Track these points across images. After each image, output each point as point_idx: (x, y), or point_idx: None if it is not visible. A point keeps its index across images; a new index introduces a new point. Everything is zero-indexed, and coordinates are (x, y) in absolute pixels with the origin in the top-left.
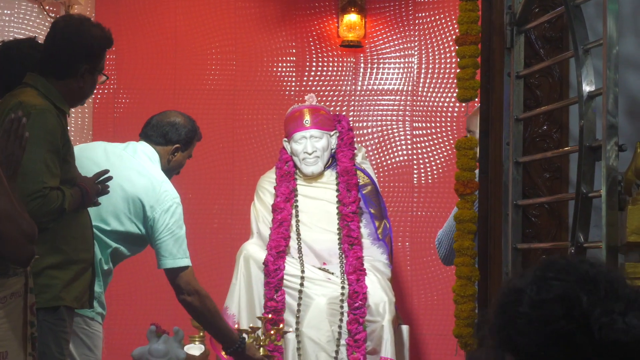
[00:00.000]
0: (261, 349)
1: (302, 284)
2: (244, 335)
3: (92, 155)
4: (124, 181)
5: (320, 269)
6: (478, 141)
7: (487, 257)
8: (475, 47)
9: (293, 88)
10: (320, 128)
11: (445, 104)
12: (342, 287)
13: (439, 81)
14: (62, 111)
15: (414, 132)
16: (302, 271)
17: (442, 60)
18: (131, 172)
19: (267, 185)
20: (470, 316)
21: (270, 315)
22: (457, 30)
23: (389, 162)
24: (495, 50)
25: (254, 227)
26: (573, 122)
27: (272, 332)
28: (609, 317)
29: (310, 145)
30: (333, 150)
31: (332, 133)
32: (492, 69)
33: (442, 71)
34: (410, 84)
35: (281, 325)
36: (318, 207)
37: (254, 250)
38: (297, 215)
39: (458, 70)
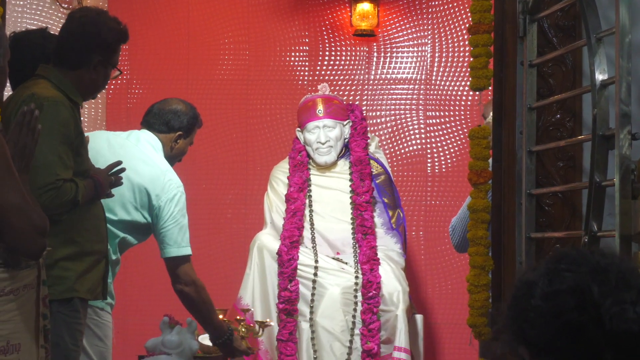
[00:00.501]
0: (240, 339)
1: (315, 274)
2: (231, 329)
3: (95, 146)
4: (129, 171)
5: (333, 258)
6: (491, 130)
7: (501, 246)
8: (488, 36)
9: (306, 77)
10: (333, 117)
11: (459, 93)
12: (356, 277)
13: (453, 70)
14: (75, 103)
15: (428, 121)
16: (316, 261)
17: (456, 49)
18: (136, 162)
19: (280, 175)
20: (484, 305)
21: (251, 310)
22: (470, 19)
23: (402, 151)
24: (508, 39)
25: (268, 217)
26: (586, 110)
27: (253, 325)
28: (620, 306)
29: (324, 134)
30: (346, 140)
31: (345, 122)
32: (505, 58)
33: (456, 60)
34: (424, 72)
35: (267, 320)
36: (331, 196)
37: (268, 240)
38: (310, 205)
39: (471, 59)
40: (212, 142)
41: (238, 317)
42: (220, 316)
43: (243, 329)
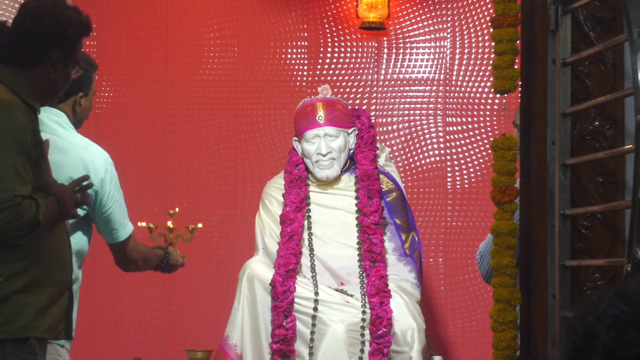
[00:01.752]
0: (170, 249)
1: (315, 309)
2: (166, 247)
3: None
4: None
5: (336, 290)
6: (519, 140)
7: (530, 276)
8: (514, 30)
9: (305, 78)
10: (336, 125)
11: (484, 96)
12: (363, 312)
13: (477, 69)
14: (32, 107)
15: (448, 129)
16: (316, 293)
17: (481, 45)
18: (52, 155)
19: (274, 193)
20: (511, 346)
21: (175, 211)
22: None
23: (417, 164)
24: (537, 33)
25: (259, 241)
26: (629, 116)
27: (183, 229)
28: None
29: (325, 145)
30: (351, 151)
31: (350, 131)
32: (534, 56)
33: (480, 57)
34: (443, 72)
35: (198, 225)
36: (334, 217)
37: (260, 268)
38: (309, 228)
39: (493, 58)
40: (195, 153)
41: (169, 226)
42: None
43: (170, 239)
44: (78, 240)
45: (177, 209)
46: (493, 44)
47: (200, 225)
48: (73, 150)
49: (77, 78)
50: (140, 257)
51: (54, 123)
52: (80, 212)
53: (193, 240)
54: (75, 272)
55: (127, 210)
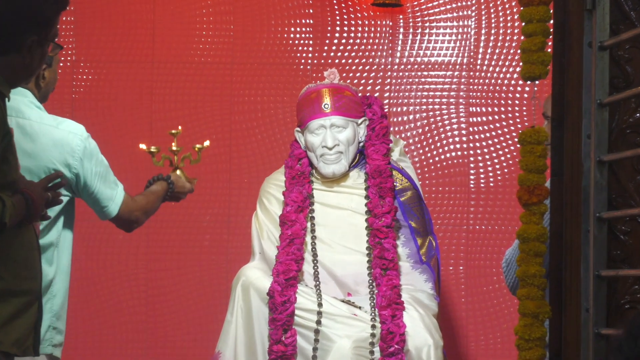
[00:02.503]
0: (178, 172)
1: (319, 322)
2: (168, 176)
3: None
4: (23, 160)
5: (343, 301)
6: (549, 133)
7: (561, 287)
8: (545, 9)
9: (309, 61)
10: (344, 114)
11: (513, 83)
12: (373, 326)
13: (505, 52)
14: (1, 94)
15: (471, 120)
16: (320, 304)
17: (509, 24)
18: (21, 143)
19: (273, 190)
20: None
21: (178, 130)
22: None
23: (436, 159)
24: (571, 12)
25: (256, 245)
26: None
27: (189, 150)
28: None
29: (331, 137)
30: (361, 144)
31: (360, 121)
32: (568, 38)
33: (509, 39)
34: (466, 55)
35: (204, 145)
36: (341, 219)
37: (256, 276)
38: (313, 230)
39: (522, 40)
40: (184, 144)
41: (173, 148)
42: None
43: (175, 161)
44: (60, 230)
45: (179, 128)
46: (522, 24)
47: (207, 143)
48: (44, 133)
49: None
50: (140, 213)
51: (18, 104)
52: (64, 196)
53: (182, 242)
54: (61, 268)
55: (113, 177)
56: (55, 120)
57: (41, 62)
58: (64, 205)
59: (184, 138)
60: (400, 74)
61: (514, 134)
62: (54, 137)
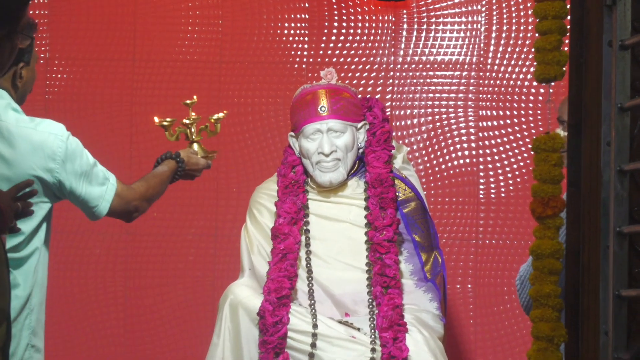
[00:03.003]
0: (196, 146)
1: (314, 345)
2: (177, 153)
3: None
4: (3, 168)
5: (340, 322)
6: (566, 140)
7: (578, 308)
8: (561, 4)
9: (305, 60)
10: (342, 118)
11: (526, 84)
12: (373, 350)
13: (518, 50)
14: None
15: (481, 124)
16: (315, 326)
17: (522, 21)
18: None
19: (265, 201)
20: None
21: (193, 100)
22: None
23: (442, 167)
24: (590, 8)
25: (246, 260)
26: None
27: (207, 120)
28: None
29: (328, 142)
30: (361, 150)
31: (359, 125)
32: (586, 36)
33: (522, 36)
34: (475, 54)
35: (221, 115)
36: (338, 232)
37: (245, 294)
38: (307, 245)
39: (536, 39)
40: (168, 149)
41: (186, 120)
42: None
43: (194, 135)
44: (42, 241)
45: (195, 97)
46: (536, 21)
47: (224, 113)
48: (22, 137)
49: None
50: (140, 201)
51: None
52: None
53: (165, 256)
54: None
55: (100, 170)
56: (32, 122)
57: (11, 56)
58: (46, 214)
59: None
60: (404, 74)
61: (527, 141)
62: (32, 141)
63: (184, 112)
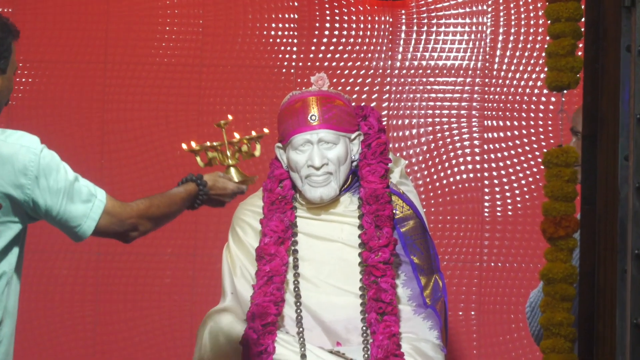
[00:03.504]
0: (232, 171)
1: None
2: (199, 175)
3: None
4: None
5: (332, 352)
6: (580, 153)
7: (593, 338)
8: (576, 5)
9: (293, 64)
10: (334, 128)
11: (536, 92)
12: None
13: (527, 55)
14: None
15: (486, 136)
16: (303, 356)
17: (532, 23)
18: None
19: (249, 218)
20: None
21: (227, 120)
22: None
23: (444, 182)
24: (607, 10)
25: (228, 284)
26: None
27: (240, 141)
28: None
29: (319, 154)
30: (355, 164)
31: (353, 136)
32: (603, 40)
33: (531, 39)
34: (481, 59)
35: (258, 134)
36: (329, 252)
37: (227, 321)
38: (296, 267)
39: (548, 42)
40: (143, 160)
41: (215, 143)
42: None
43: (227, 155)
44: (12, 264)
45: (229, 117)
46: (548, 23)
47: (266, 131)
48: None
49: None
50: (138, 219)
51: None
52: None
53: (138, 278)
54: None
55: (84, 185)
56: (3, 134)
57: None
58: (15, 235)
59: (137, 156)
60: (402, 80)
61: (538, 154)
62: (2, 154)
63: (160, 119)
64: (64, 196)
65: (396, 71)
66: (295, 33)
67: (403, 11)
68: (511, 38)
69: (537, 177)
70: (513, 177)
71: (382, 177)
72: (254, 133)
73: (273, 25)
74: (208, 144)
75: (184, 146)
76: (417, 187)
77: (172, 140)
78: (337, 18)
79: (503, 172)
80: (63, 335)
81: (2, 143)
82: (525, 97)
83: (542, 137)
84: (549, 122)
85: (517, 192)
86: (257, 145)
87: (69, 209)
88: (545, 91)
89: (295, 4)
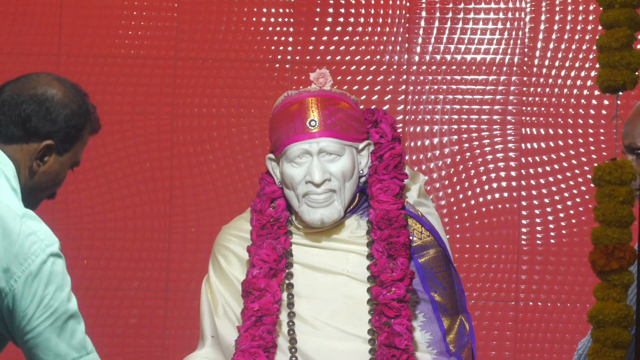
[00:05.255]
0: None
1: None
2: None
3: None
4: None
5: None
6: (638, 169)
7: None
8: None
9: (288, 58)
10: (338, 136)
11: (585, 94)
12: None
13: (574, 49)
14: None
15: (524, 146)
16: None
17: (581, 9)
18: None
19: (233, 245)
20: None
21: None
22: None
23: (471, 202)
24: None
25: (207, 325)
26: None
27: None
28: None
29: (320, 168)
30: (363, 179)
31: (361, 145)
32: None
33: (580, 30)
34: (518, 53)
35: None
36: (332, 288)
37: None
38: (291, 305)
39: (599, 33)
40: (104, 174)
41: None
42: None
43: None
44: None
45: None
46: (600, 9)
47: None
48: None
49: (61, 123)
50: None
51: None
52: None
53: (101, 311)
54: None
55: (81, 331)
56: (21, 210)
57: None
58: None
59: (97, 168)
60: (421, 78)
61: (587, 169)
62: (7, 226)
63: (118, 116)
64: (52, 320)
65: (414, 67)
66: (292, 20)
67: None
68: (555, 28)
69: (586, 197)
70: (556, 197)
71: (397, 196)
72: None
73: (264, 10)
74: None
75: None
76: (439, 208)
77: (140, 150)
78: (343, 2)
79: (544, 190)
80: None
81: (16, 220)
82: (572, 100)
83: (592, 148)
84: (601, 131)
85: (561, 215)
86: None
87: (48, 338)
88: (596, 93)
89: None
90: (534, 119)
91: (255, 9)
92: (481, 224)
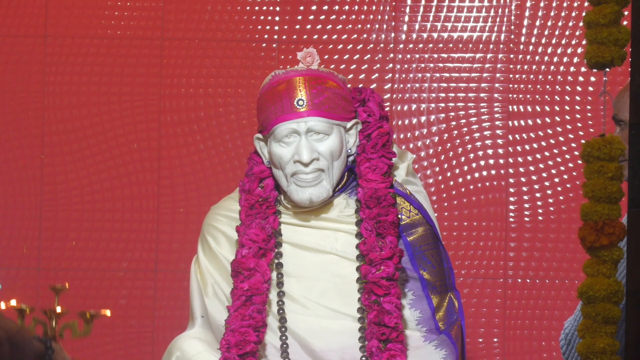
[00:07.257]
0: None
1: None
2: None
3: None
4: None
5: None
6: (627, 145)
7: None
8: None
9: (275, 37)
10: (326, 115)
11: (572, 70)
12: None
13: (561, 25)
14: None
15: (511, 124)
16: None
17: None
18: None
19: (222, 225)
20: None
21: (64, 286)
22: None
23: (459, 180)
24: None
25: (197, 305)
26: None
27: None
28: None
29: (308, 147)
30: (351, 158)
31: (349, 124)
32: None
33: (566, 5)
34: (504, 30)
35: (103, 313)
36: (321, 267)
37: (196, 350)
38: (280, 284)
39: (586, 10)
40: (90, 155)
41: (54, 310)
42: None
43: (56, 329)
44: None
45: (66, 285)
46: None
47: (107, 313)
48: None
49: None
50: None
51: None
52: None
53: (86, 301)
54: None
55: None
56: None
57: None
58: None
59: (84, 149)
60: (408, 56)
61: (574, 146)
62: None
63: (105, 97)
64: None
65: (401, 46)
66: None
67: None
68: (542, 4)
69: (574, 174)
70: (544, 174)
71: (385, 174)
72: (97, 312)
73: None
74: (27, 307)
75: (13, 303)
76: (427, 186)
77: (127, 131)
78: None
79: (532, 167)
80: None
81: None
82: (559, 77)
83: (579, 125)
84: (589, 107)
85: (549, 192)
86: (88, 325)
87: None
88: (583, 69)
89: None
90: (520, 96)
91: None
92: (469, 201)
